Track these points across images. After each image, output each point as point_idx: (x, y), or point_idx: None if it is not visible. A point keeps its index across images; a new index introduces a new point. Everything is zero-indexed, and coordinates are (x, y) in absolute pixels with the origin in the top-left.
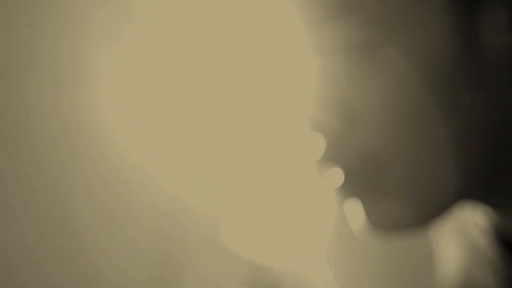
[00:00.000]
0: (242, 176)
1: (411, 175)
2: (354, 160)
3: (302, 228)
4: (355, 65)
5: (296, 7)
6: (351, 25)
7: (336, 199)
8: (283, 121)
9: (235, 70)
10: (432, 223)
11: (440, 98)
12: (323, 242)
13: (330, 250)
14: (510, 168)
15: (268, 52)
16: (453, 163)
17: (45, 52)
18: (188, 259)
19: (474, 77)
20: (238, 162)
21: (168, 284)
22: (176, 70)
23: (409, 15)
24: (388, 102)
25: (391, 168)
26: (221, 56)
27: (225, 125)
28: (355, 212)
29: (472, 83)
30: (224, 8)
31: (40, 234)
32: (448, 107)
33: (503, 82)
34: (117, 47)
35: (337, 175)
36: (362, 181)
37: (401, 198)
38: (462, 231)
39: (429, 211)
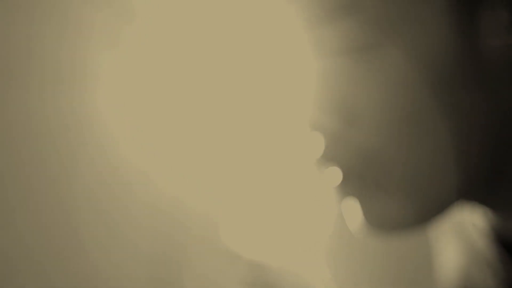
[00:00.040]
0: (241, 176)
1: (410, 175)
2: (354, 160)
3: (302, 228)
4: (355, 65)
5: (296, 7)
6: (351, 25)
7: (336, 199)
8: (283, 121)
9: (235, 71)
10: (431, 223)
11: (439, 98)
12: (323, 242)
13: (330, 250)
14: (509, 169)
15: (268, 52)
16: (452, 163)
17: (45, 53)
18: (187, 259)
19: (474, 77)
20: (237, 162)
21: (168, 284)
22: (176, 71)
23: (409, 15)
24: (388, 102)
25: (390, 168)
26: (221, 57)
27: (225, 124)
28: (354, 211)
29: (472, 83)
30: (224, 9)
31: (40, 234)
32: (447, 107)
33: (503, 83)
34: (117, 48)
35: (336, 175)
36: (361, 180)
37: (400, 197)
38: (461, 232)
39: (428, 210)
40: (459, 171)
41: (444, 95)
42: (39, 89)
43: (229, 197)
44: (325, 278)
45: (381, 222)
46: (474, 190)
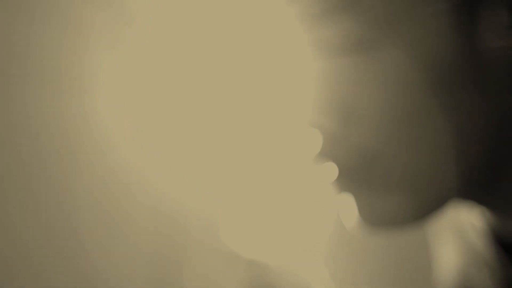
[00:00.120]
0: (240, 177)
1: (409, 174)
2: (354, 160)
3: (302, 228)
4: (355, 65)
5: (296, 7)
6: (351, 25)
7: (333, 197)
8: (282, 122)
9: (234, 71)
10: (427, 220)
11: (439, 98)
12: (322, 243)
13: (329, 250)
14: (508, 169)
15: (268, 52)
16: (451, 163)
17: (44, 54)
18: (187, 259)
19: (473, 78)
20: (236, 162)
21: (168, 284)
22: (175, 73)
23: (409, 15)
24: (388, 102)
25: (390, 167)
26: (220, 58)
27: (224, 124)
28: (351, 209)
29: (472, 83)
30: (224, 10)
31: (40, 234)
32: (447, 107)
33: (502, 83)
34: (116, 49)
35: (334, 172)
36: (360, 179)
37: (398, 195)
38: (459, 232)
39: (425, 208)
40: (457, 170)
41: (444, 95)
42: (38, 89)
43: (228, 197)
44: (324, 278)
45: (378, 218)
46: (473, 190)
